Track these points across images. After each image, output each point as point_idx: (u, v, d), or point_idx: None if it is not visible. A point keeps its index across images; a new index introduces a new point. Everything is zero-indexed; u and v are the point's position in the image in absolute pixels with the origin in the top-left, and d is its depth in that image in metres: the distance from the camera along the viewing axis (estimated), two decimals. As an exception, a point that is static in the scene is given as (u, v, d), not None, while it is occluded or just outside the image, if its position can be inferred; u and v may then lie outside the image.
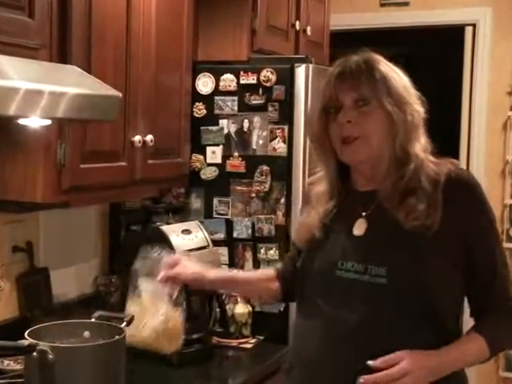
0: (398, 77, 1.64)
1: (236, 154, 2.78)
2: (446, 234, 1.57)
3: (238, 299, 2.73)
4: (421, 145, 1.64)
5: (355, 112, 1.60)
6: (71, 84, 1.81)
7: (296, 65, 2.70)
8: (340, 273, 1.62)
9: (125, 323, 1.99)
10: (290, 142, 2.71)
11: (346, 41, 4.30)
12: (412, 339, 1.54)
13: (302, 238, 1.75)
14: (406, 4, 4.26)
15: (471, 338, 1.60)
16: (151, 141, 2.42)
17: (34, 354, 1.78)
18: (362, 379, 1.47)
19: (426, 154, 1.65)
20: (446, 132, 4.28)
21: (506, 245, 4.19)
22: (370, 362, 1.48)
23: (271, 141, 2.73)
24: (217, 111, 2.79)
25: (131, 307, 2.13)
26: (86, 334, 1.99)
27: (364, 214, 1.66)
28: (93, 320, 2.03)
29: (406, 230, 1.57)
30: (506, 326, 1.63)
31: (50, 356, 1.77)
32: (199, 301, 2.50)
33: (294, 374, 1.70)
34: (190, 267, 1.91)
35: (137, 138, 2.35)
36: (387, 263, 1.57)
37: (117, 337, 1.91)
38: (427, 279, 1.55)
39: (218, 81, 2.78)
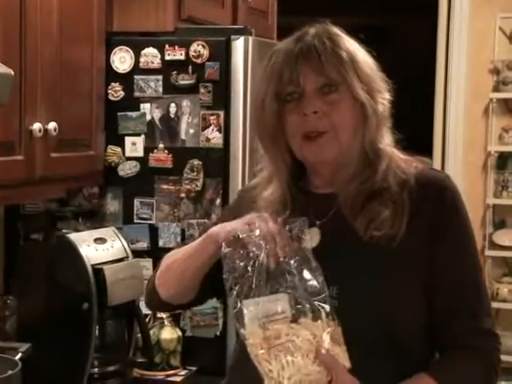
0: (364, 57, 1.65)
1: (161, 145, 2.77)
2: (411, 247, 1.59)
3: (165, 322, 2.72)
4: (389, 139, 1.67)
5: (321, 101, 1.60)
6: None
7: (233, 37, 2.71)
8: None
9: (20, 354, 1.97)
10: (226, 130, 2.71)
11: (297, 8, 4.33)
12: (370, 369, 1.54)
13: None
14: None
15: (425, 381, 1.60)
16: (55, 129, 2.40)
17: None
18: None
19: (391, 148, 1.67)
20: (415, 119, 4.34)
21: (488, 252, 4.28)
22: None
23: (204, 129, 2.73)
24: (137, 93, 2.78)
25: None
26: (-29, 369, 1.96)
27: (318, 222, 1.67)
28: (-20, 352, 2.01)
29: (365, 241, 1.59)
30: (463, 370, 1.62)
31: None
32: (115, 324, 2.49)
33: None
34: None
35: (36, 125, 2.33)
36: (339, 282, 1.58)
37: (10, 372, 1.90)
38: (385, 301, 1.57)
39: (137, 56, 2.77)
